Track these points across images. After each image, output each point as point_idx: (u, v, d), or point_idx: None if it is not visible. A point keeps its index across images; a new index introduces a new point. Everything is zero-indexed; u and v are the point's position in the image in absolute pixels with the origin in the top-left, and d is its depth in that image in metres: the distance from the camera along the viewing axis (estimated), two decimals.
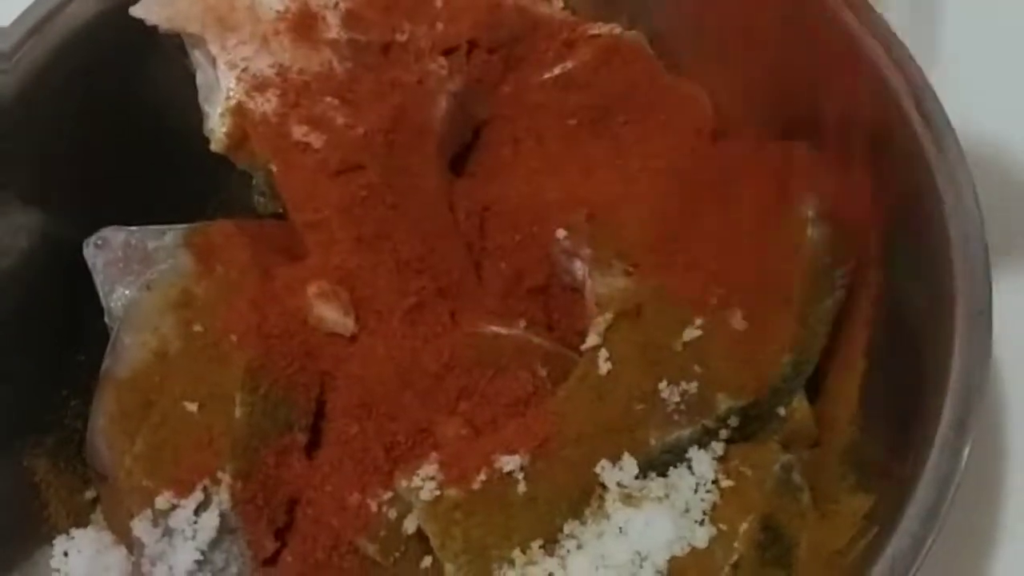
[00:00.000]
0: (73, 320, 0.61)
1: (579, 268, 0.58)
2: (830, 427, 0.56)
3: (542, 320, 0.59)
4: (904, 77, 0.53)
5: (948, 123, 0.52)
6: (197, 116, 0.59)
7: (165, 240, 0.58)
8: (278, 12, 0.56)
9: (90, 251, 0.59)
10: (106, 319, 0.58)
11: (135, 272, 0.58)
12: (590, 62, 0.61)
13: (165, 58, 0.60)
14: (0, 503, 0.57)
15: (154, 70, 0.61)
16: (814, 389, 0.56)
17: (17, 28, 0.57)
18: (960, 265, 0.49)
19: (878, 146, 0.55)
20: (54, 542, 0.56)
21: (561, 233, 0.58)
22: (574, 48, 0.61)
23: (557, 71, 0.61)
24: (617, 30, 0.62)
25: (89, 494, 0.60)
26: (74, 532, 0.57)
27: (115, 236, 0.59)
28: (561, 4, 0.63)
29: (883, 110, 0.54)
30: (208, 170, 0.63)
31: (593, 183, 0.59)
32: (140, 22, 0.57)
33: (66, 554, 0.56)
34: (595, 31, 0.62)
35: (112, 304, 0.58)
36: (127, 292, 0.57)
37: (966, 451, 0.46)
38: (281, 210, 0.60)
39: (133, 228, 0.59)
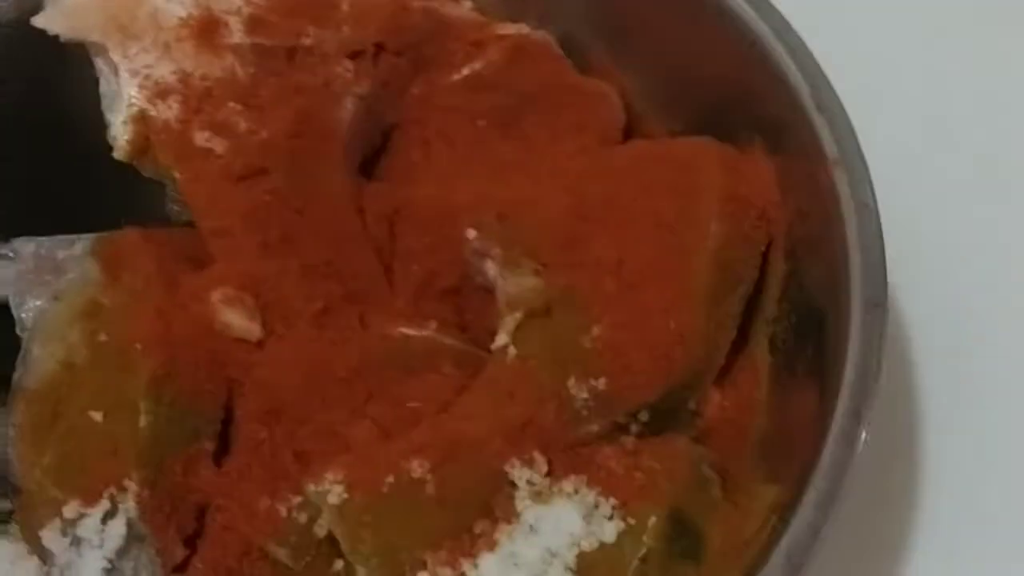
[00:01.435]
0: None
1: (490, 268, 0.58)
2: (743, 420, 0.56)
3: (455, 321, 0.59)
4: (801, 69, 0.53)
5: (845, 115, 0.53)
6: (103, 125, 0.58)
7: (74, 249, 0.58)
8: (181, 19, 0.56)
9: (1, 263, 0.58)
10: (17, 330, 0.58)
11: (45, 283, 0.57)
12: (499, 62, 0.61)
13: (78, 67, 0.59)
14: None
15: (67, 79, 0.61)
16: (724, 382, 0.57)
17: None
18: (857, 257, 0.50)
19: (780, 139, 0.55)
20: None
21: (471, 233, 0.58)
22: (483, 49, 0.61)
23: (466, 72, 0.61)
24: (525, 30, 0.62)
25: (5, 506, 0.59)
26: None
27: (25, 247, 0.58)
28: (469, 4, 0.63)
29: (783, 103, 0.54)
30: (126, 180, 0.62)
31: (503, 184, 0.59)
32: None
33: None
34: (503, 31, 0.62)
35: (23, 315, 0.57)
36: (37, 303, 0.57)
37: (861, 439, 0.47)
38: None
39: (44, 238, 0.59)
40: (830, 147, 0.51)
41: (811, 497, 0.46)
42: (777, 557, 0.45)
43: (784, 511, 0.49)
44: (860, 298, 0.49)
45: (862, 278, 0.49)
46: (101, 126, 0.59)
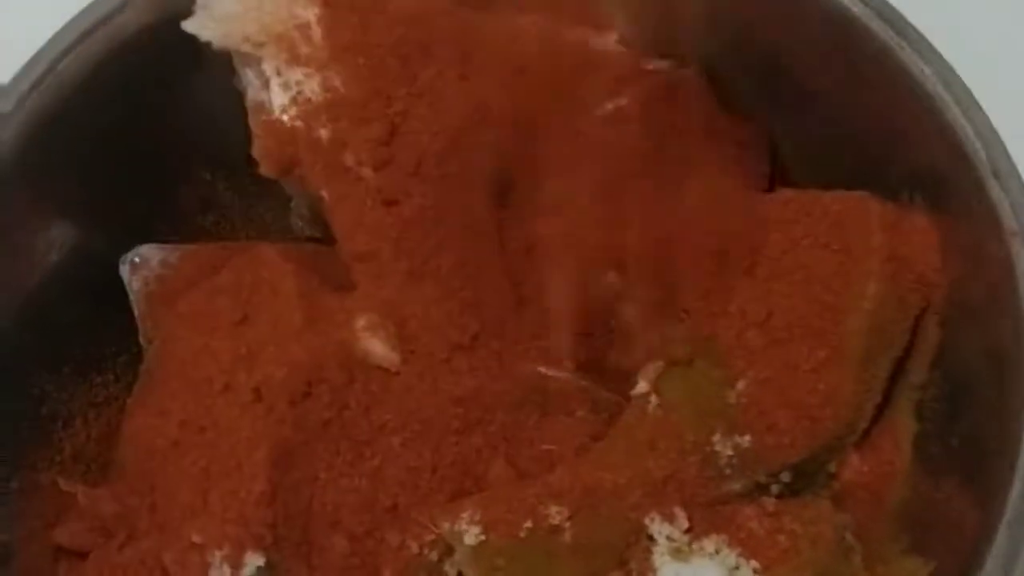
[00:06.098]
0: (101, 338, 0.59)
1: (628, 311, 0.56)
2: (882, 486, 0.55)
3: (588, 363, 0.57)
4: (976, 132, 0.52)
5: (1017, 173, 0.51)
6: (233, 136, 0.56)
7: (202, 260, 0.57)
8: None
9: (126, 269, 0.57)
10: (141, 339, 0.57)
11: (172, 291, 0.56)
12: (644, 99, 0.59)
13: (209, 75, 0.58)
14: (15, 519, 0.56)
15: (197, 88, 0.59)
16: (864, 445, 0.55)
17: (66, 35, 0.55)
18: None
19: (944, 196, 0.54)
20: None
21: (611, 275, 0.56)
22: (628, 84, 0.59)
23: (610, 107, 0.59)
24: (672, 66, 0.60)
25: None
26: None
27: (152, 254, 0.58)
28: (615, 37, 0.62)
29: (950, 159, 0.52)
30: (242, 191, 0.62)
31: (644, 224, 0.57)
32: (186, 37, 0.55)
33: None
34: (650, 67, 0.60)
35: (147, 324, 0.56)
36: (163, 312, 0.56)
37: None
38: (319, 235, 0.59)
39: (169, 246, 0.58)
40: (1008, 217, 0.50)
41: None
42: None
43: None
44: None
45: None
46: (224, 138, 0.58)
